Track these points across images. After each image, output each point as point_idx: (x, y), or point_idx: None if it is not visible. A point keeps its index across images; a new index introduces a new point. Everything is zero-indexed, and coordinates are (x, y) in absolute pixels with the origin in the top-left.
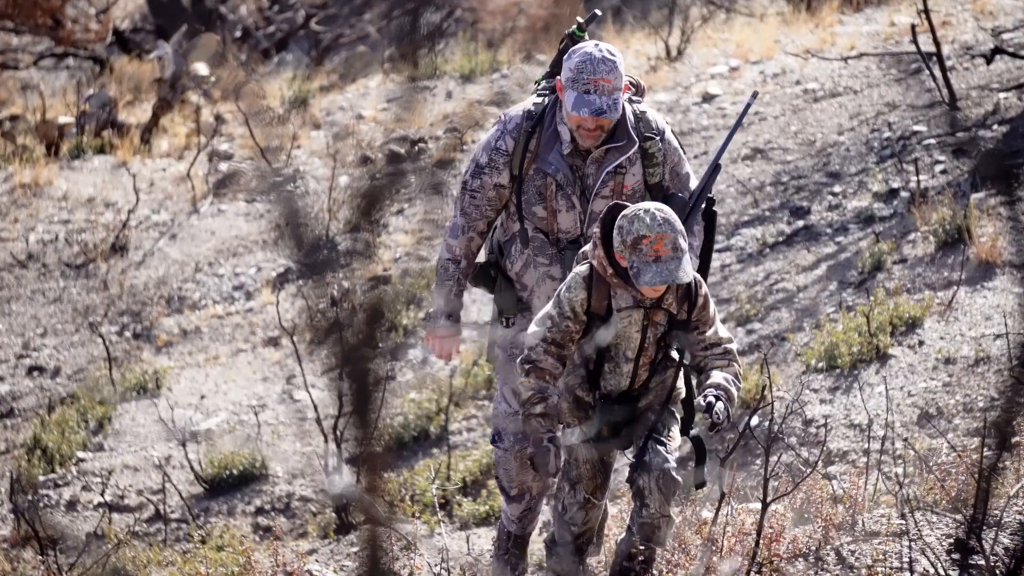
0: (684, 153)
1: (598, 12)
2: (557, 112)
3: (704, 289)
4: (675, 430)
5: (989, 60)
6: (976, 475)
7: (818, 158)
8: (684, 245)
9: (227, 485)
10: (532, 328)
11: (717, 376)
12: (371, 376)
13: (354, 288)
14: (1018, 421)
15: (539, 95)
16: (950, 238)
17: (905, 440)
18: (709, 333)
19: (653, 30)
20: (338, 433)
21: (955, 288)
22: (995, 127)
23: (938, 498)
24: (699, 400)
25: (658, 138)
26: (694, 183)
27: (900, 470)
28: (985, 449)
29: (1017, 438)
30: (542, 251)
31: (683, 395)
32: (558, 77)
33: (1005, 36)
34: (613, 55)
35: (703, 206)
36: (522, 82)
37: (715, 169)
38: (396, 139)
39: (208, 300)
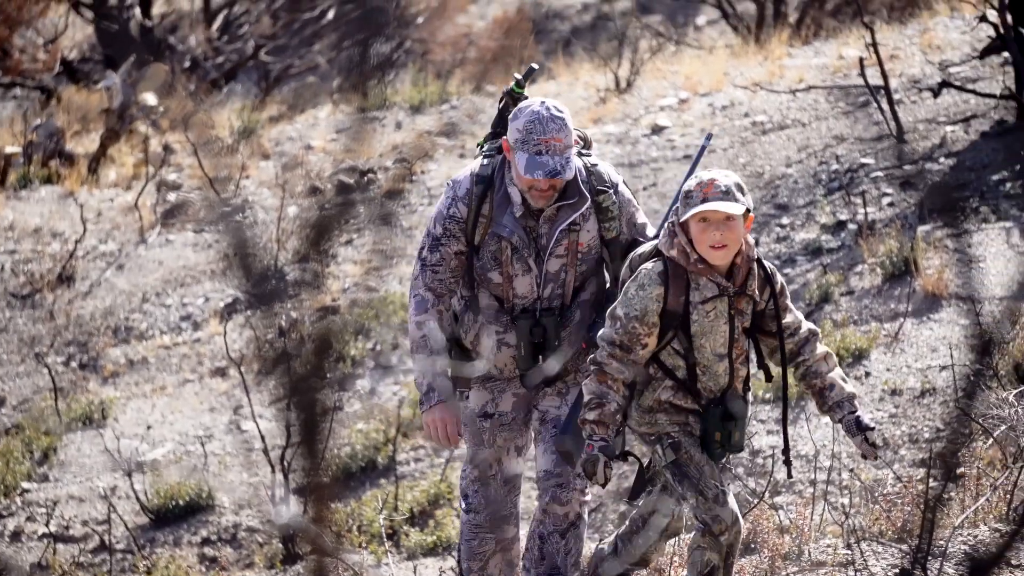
0: (636, 202)
1: (535, 66)
2: (506, 173)
3: (779, 274)
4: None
5: (936, 94)
6: (922, 505)
7: (766, 190)
8: (741, 198)
9: (173, 516)
10: (603, 329)
11: (834, 382)
12: (319, 406)
13: (302, 318)
14: (963, 452)
15: (485, 156)
16: (897, 270)
17: (851, 471)
18: (791, 318)
19: (603, 62)
20: (285, 463)
21: (902, 320)
22: (942, 160)
23: (884, 528)
24: (848, 423)
25: (611, 191)
26: (651, 231)
27: (846, 500)
28: (931, 480)
29: (962, 469)
30: (496, 319)
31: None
32: (504, 138)
33: (952, 70)
34: (561, 112)
35: None
36: (472, 113)
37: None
38: (345, 169)
39: (155, 330)
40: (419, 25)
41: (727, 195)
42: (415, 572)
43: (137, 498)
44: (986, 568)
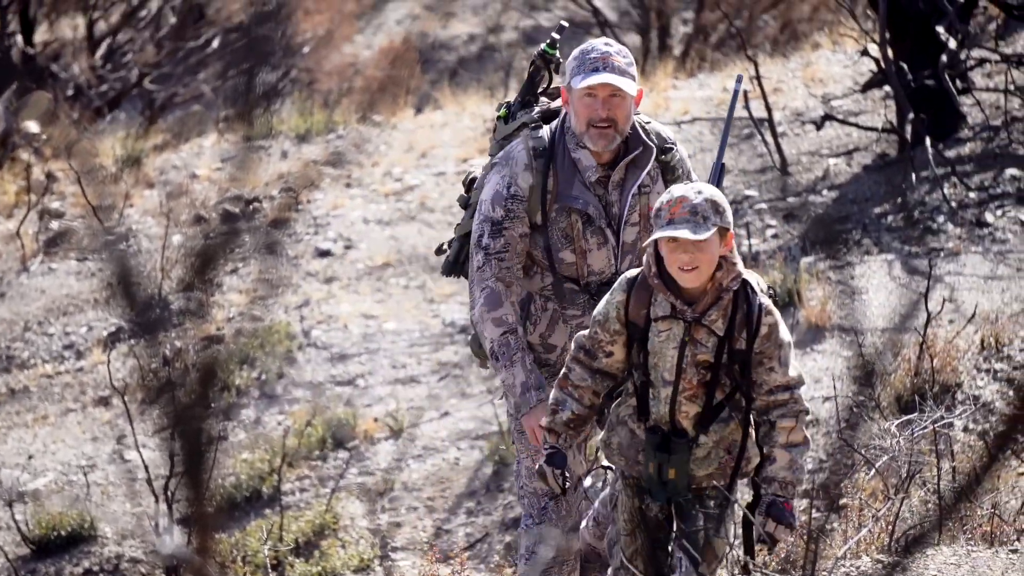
0: None
1: (565, 23)
2: (568, 138)
3: (772, 317)
4: (717, 545)
5: (819, 126)
6: (805, 537)
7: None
8: (714, 218)
9: (55, 546)
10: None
11: (780, 458)
12: (203, 436)
13: (187, 347)
14: (846, 483)
15: (533, 127)
16: (780, 301)
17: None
18: (776, 373)
19: (489, 92)
20: (169, 493)
21: None
22: (825, 192)
23: (768, 559)
24: (769, 503)
25: (675, 148)
26: None
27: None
28: (813, 511)
29: (845, 500)
30: (572, 301)
31: (754, 464)
32: (562, 86)
33: (835, 103)
34: (621, 46)
35: None
36: (358, 142)
37: (720, 169)
38: (230, 198)
39: (37, 359)
40: (305, 54)
41: (695, 215)
42: None
43: (18, 528)
44: None
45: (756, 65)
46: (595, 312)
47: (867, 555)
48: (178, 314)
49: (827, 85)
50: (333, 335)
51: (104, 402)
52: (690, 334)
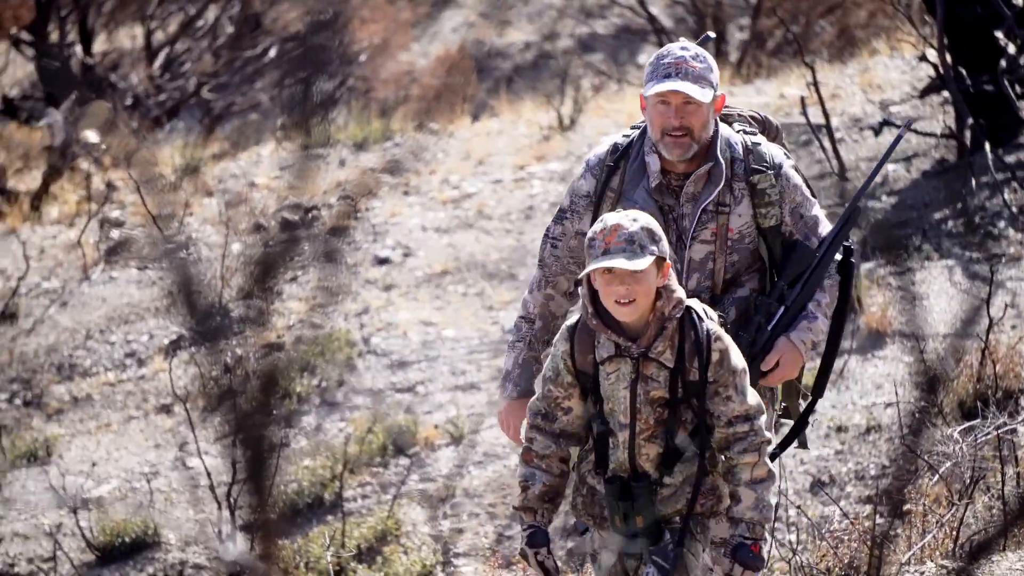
0: (812, 194)
1: (711, 34)
2: (645, 142)
3: (722, 343)
4: (688, 560)
5: (877, 132)
6: (869, 543)
7: None
8: (651, 247)
9: (119, 553)
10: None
11: (745, 497)
12: (265, 443)
13: (247, 355)
14: (909, 489)
15: (632, 128)
16: None
17: (798, 507)
18: (734, 402)
19: (545, 100)
20: (232, 500)
21: (846, 357)
22: (884, 198)
23: (831, 565)
24: (733, 546)
25: (771, 172)
26: (824, 229)
27: (793, 537)
28: (877, 516)
29: (908, 506)
30: None
31: (725, 504)
32: (643, 94)
33: (893, 109)
34: (702, 51)
35: (837, 256)
36: (415, 150)
37: (853, 211)
38: (289, 207)
39: (99, 367)
40: (362, 63)
41: (631, 243)
42: None
43: (83, 535)
44: None
45: (813, 71)
46: (543, 371)
47: (931, 561)
48: (238, 322)
49: (885, 91)
50: (392, 342)
51: (166, 409)
52: (639, 371)
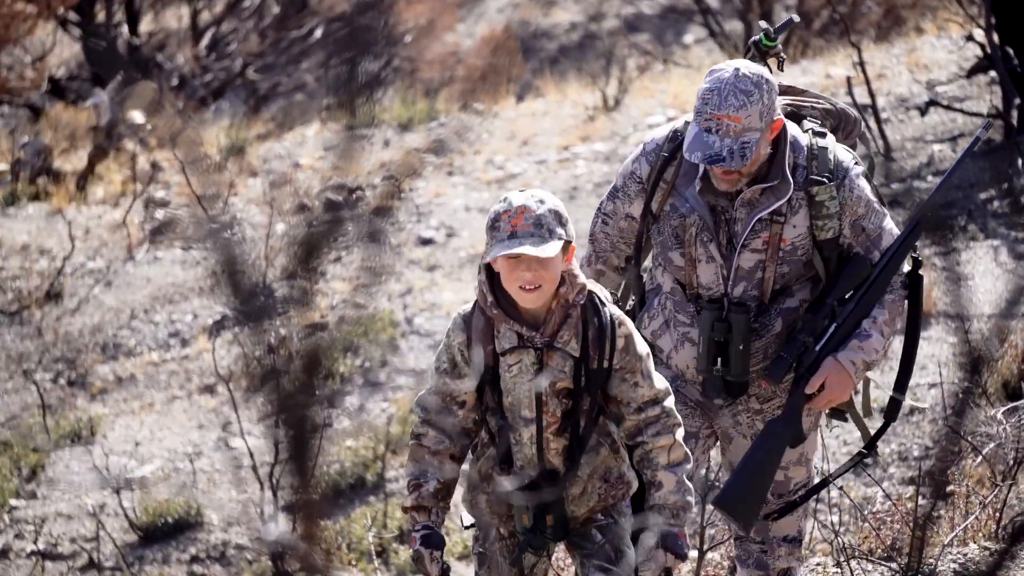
0: (881, 204)
1: (795, 18)
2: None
3: (626, 327)
4: (627, 554)
5: (923, 112)
6: (911, 524)
7: None
8: (558, 230)
9: (162, 533)
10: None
11: (666, 482)
12: (308, 423)
13: (291, 335)
14: (952, 470)
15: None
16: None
17: (840, 488)
18: (642, 388)
19: (590, 80)
20: (274, 480)
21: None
22: (929, 178)
23: (873, 546)
24: (658, 535)
25: (832, 183)
26: (887, 241)
27: (836, 518)
28: (920, 498)
29: (952, 487)
30: (682, 308)
31: (634, 488)
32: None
33: (939, 89)
34: (753, 85)
35: (903, 268)
36: (460, 131)
37: (918, 223)
38: (333, 187)
39: (143, 347)
40: (407, 43)
41: (539, 227)
42: None
43: (126, 515)
44: None
45: (859, 51)
46: (435, 362)
47: (974, 542)
48: (282, 302)
49: (931, 71)
50: (436, 323)
51: (209, 390)
52: (543, 362)
